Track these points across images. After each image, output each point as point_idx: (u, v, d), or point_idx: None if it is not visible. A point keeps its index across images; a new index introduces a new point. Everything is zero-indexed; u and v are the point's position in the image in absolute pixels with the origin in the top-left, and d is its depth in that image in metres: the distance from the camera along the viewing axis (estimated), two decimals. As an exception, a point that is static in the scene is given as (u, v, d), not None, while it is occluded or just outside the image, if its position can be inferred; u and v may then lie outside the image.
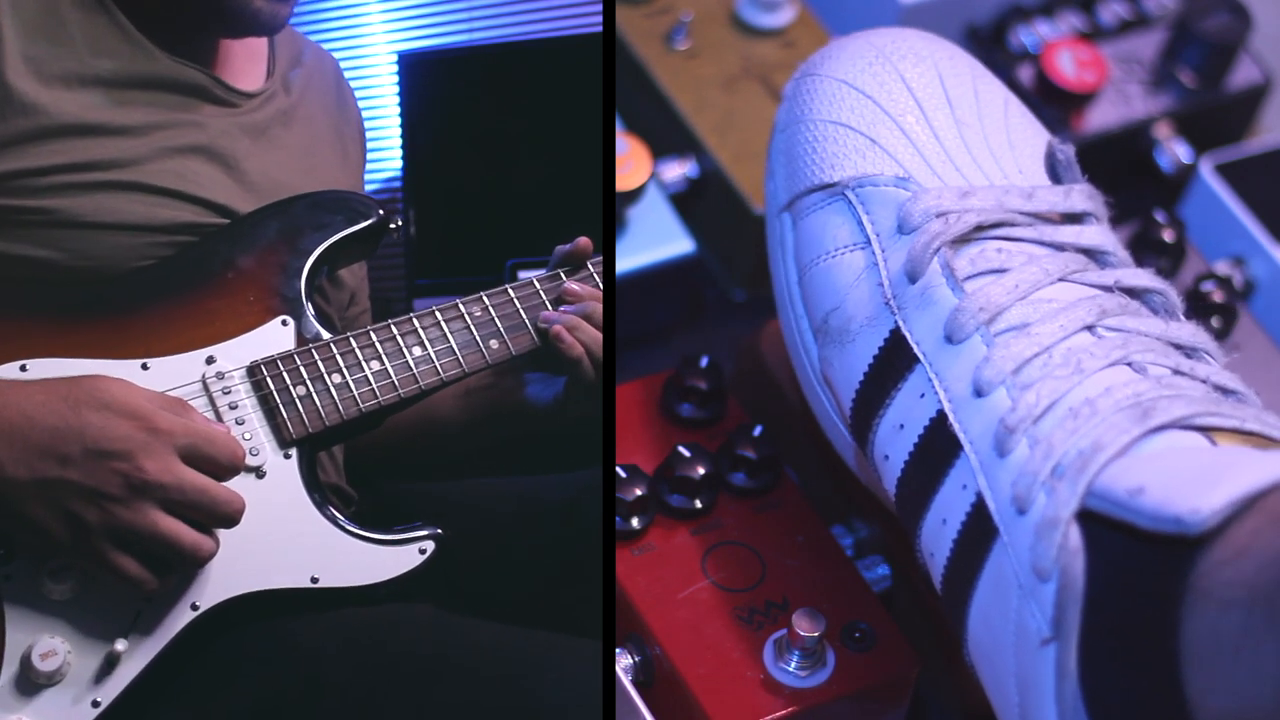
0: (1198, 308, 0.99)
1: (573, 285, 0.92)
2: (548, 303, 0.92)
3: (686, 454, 0.87)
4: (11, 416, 0.78)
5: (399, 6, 1.94)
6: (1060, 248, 0.78)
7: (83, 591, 0.81)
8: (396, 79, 1.74)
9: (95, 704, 0.80)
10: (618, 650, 0.84)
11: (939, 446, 0.75)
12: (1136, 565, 0.66)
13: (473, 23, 1.92)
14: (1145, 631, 0.65)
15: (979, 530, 0.73)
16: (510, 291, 0.92)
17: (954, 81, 0.85)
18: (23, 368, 0.84)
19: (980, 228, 0.78)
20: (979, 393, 0.74)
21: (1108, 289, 0.77)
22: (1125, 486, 0.67)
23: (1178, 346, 0.75)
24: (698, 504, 0.87)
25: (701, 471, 0.87)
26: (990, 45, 1.15)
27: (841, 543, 0.90)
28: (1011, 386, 0.73)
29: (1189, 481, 0.65)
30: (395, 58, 1.79)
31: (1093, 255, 0.79)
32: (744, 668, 0.82)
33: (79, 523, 0.78)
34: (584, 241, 0.94)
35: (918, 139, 0.82)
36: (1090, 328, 0.75)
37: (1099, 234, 0.79)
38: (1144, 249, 1.01)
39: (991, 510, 0.72)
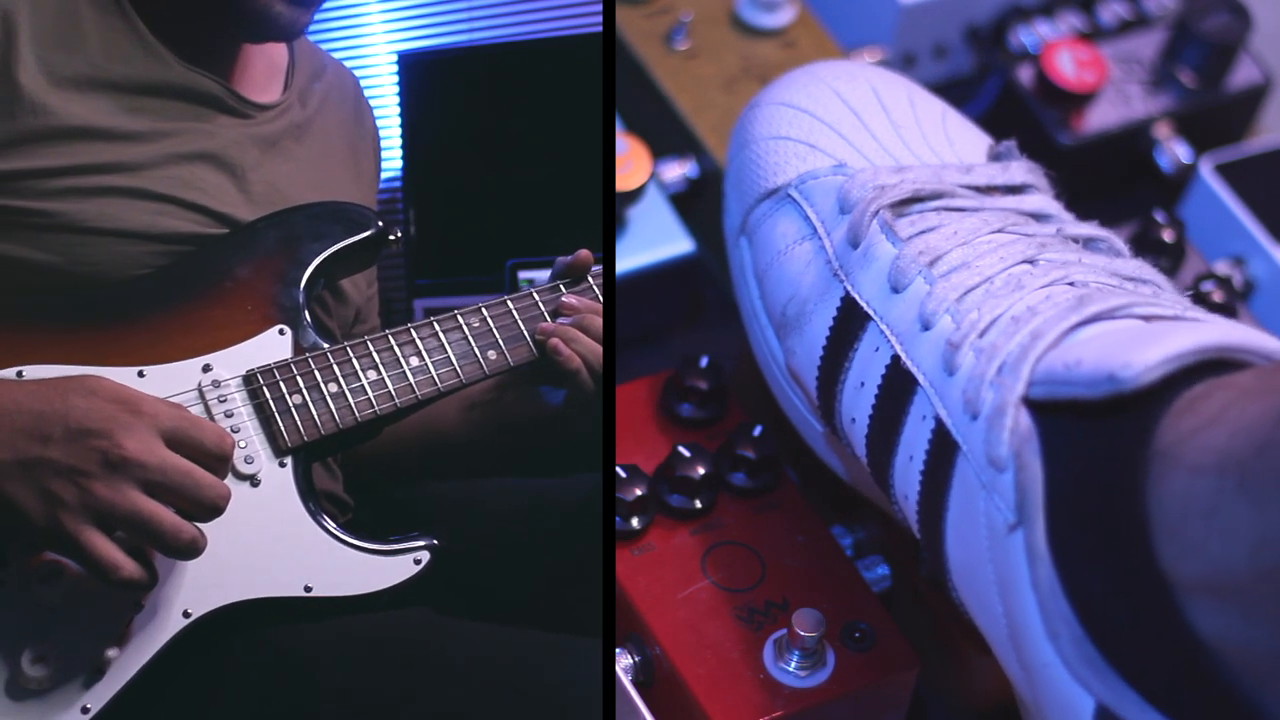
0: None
1: (570, 299, 0.92)
2: (546, 314, 0.92)
3: (686, 454, 0.87)
4: (2, 402, 0.78)
5: (399, 6, 1.94)
6: (1001, 211, 0.80)
7: (73, 598, 0.80)
8: (396, 79, 1.75)
9: (85, 710, 0.79)
10: (618, 650, 0.84)
11: (897, 388, 0.77)
12: (1091, 440, 0.67)
13: (473, 23, 1.92)
14: (1111, 507, 0.66)
15: (941, 452, 0.74)
16: (509, 303, 0.92)
17: (888, 94, 0.88)
18: (19, 374, 0.83)
19: (918, 199, 0.80)
20: (926, 326, 0.76)
21: (1049, 236, 0.78)
22: (1064, 362, 0.68)
23: (1123, 276, 0.76)
24: (698, 504, 0.87)
25: (701, 471, 0.87)
26: (990, 45, 1.15)
27: (841, 543, 0.90)
28: (955, 312, 0.75)
29: (1123, 345, 0.67)
30: (395, 58, 1.79)
31: (1035, 217, 0.80)
32: (744, 668, 0.82)
33: (56, 501, 0.76)
34: (584, 254, 0.94)
35: (854, 139, 0.85)
36: (1031, 260, 0.76)
37: (1041, 200, 0.81)
38: (1144, 249, 1.01)
39: (949, 426, 0.73)
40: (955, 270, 0.76)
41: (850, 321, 0.80)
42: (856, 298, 0.79)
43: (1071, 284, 0.74)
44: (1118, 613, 0.66)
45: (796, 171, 0.85)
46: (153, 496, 0.77)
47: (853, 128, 0.85)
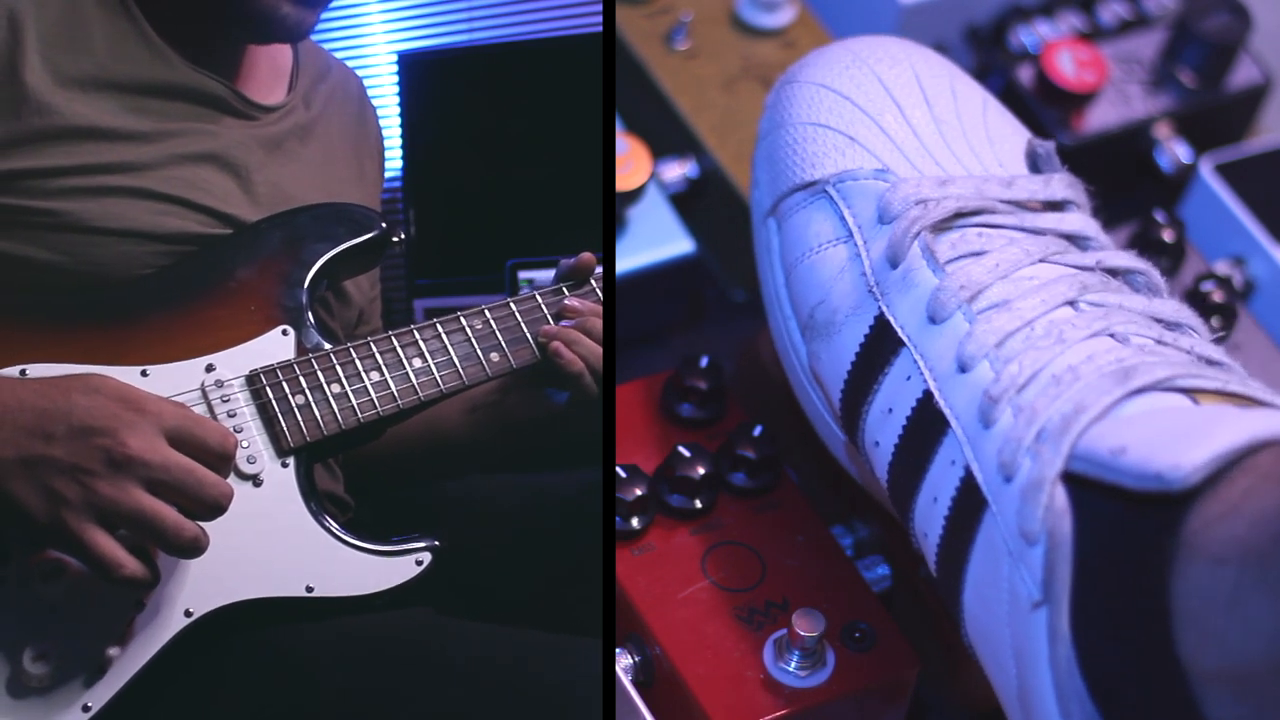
0: (1198, 308, 0.99)
1: (573, 301, 0.92)
2: (549, 316, 0.92)
3: (686, 454, 0.87)
4: (5, 400, 0.78)
5: (399, 6, 1.94)
6: (1041, 233, 0.79)
7: (75, 596, 0.81)
8: (396, 79, 1.75)
9: (86, 709, 0.80)
10: (618, 650, 0.84)
11: (926, 425, 0.76)
12: (1124, 526, 0.67)
13: (473, 23, 1.92)
14: (1136, 592, 0.66)
15: (969, 504, 0.73)
16: (511, 305, 0.92)
17: (931, 82, 0.85)
18: (22, 372, 0.83)
19: (960, 214, 0.79)
20: (963, 368, 0.75)
21: (1089, 269, 0.77)
22: (1108, 446, 0.67)
23: (1161, 321, 0.75)
24: (698, 504, 0.87)
25: (701, 471, 0.87)
26: (990, 45, 1.15)
27: (841, 543, 0.90)
28: (994, 359, 0.74)
29: (1171, 439, 0.66)
30: (395, 58, 1.79)
31: (1074, 240, 0.79)
32: (744, 668, 0.82)
33: (59, 499, 0.77)
34: (587, 257, 0.94)
35: (896, 135, 0.83)
36: (1072, 303, 0.75)
37: (1080, 220, 0.80)
38: (1144, 249, 1.01)
39: (979, 481, 0.72)
40: (995, 308, 0.75)
41: (883, 343, 0.78)
42: (891, 321, 0.78)
43: (1113, 335, 0.73)
44: (1133, 696, 0.65)
45: (836, 167, 0.83)
46: (156, 495, 0.77)
47: (894, 121, 0.83)
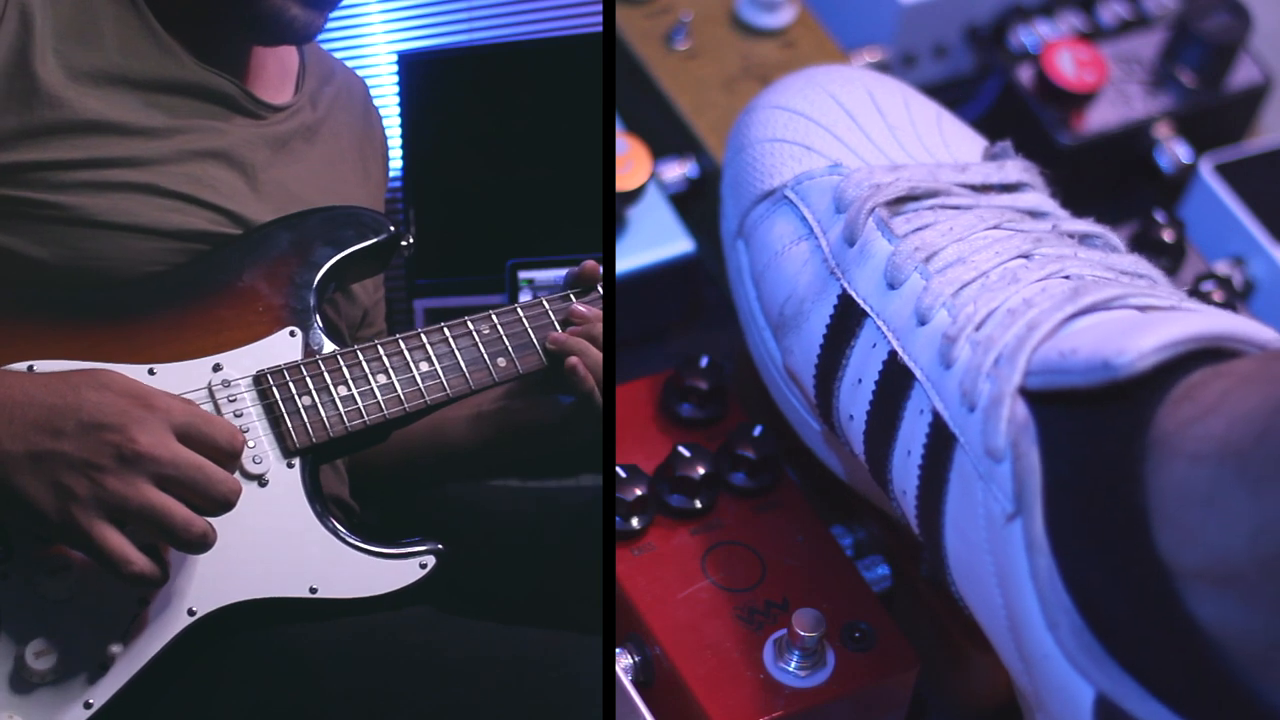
0: (1197, 308, 1.00)
1: (580, 307, 0.92)
2: (556, 323, 0.92)
3: (686, 454, 0.87)
4: (14, 395, 0.78)
5: (399, 6, 1.94)
6: (998, 209, 0.80)
7: (79, 592, 0.81)
8: (396, 79, 1.75)
9: (88, 705, 0.80)
10: (618, 650, 0.84)
11: (894, 383, 0.77)
12: (1089, 431, 0.67)
13: (473, 23, 1.92)
14: (1110, 496, 0.66)
15: (939, 444, 0.74)
16: (519, 310, 0.92)
17: (884, 97, 0.88)
18: (30, 368, 0.84)
19: (914, 196, 0.80)
20: (922, 321, 0.76)
21: (1044, 233, 0.79)
22: (1059, 350, 0.68)
23: (1119, 271, 0.76)
24: (698, 504, 0.87)
25: (701, 471, 0.87)
26: (990, 45, 1.15)
27: (841, 543, 0.90)
28: (951, 306, 0.75)
29: (1118, 334, 0.67)
30: (395, 58, 1.79)
31: (1031, 215, 0.80)
32: (744, 668, 0.82)
33: (68, 494, 0.77)
34: (591, 265, 0.94)
35: (850, 140, 0.85)
36: (1026, 255, 0.76)
37: (1036, 198, 0.81)
38: (1144, 249, 1.01)
39: (946, 419, 0.74)
40: (951, 265, 0.77)
41: (847, 319, 0.80)
42: (853, 295, 0.80)
43: (1067, 277, 0.74)
44: (1117, 602, 0.66)
45: (793, 173, 0.85)
46: (164, 491, 0.78)
47: (848, 129, 0.86)
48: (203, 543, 0.79)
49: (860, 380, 0.79)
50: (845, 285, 0.80)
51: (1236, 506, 0.62)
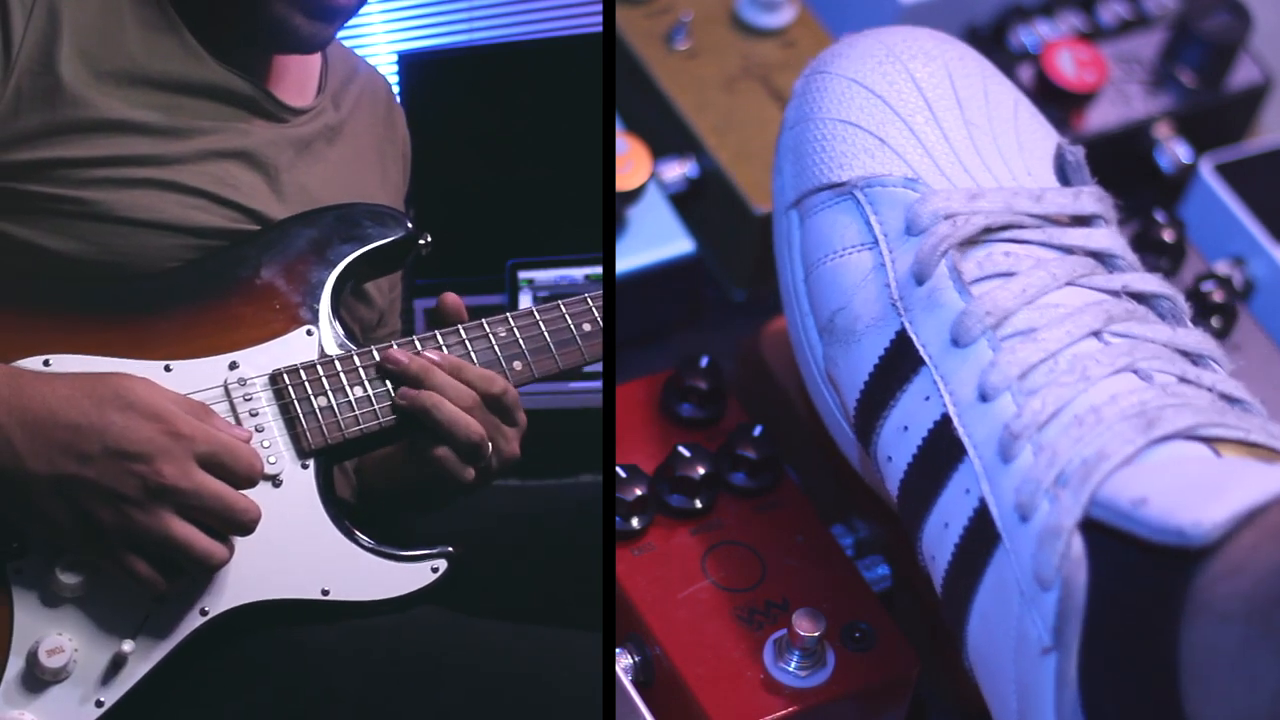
0: (1198, 308, 0.99)
1: (400, 355, 0.87)
2: (572, 327, 0.91)
3: (686, 454, 0.87)
4: (35, 408, 0.78)
5: (399, 6, 1.94)
6: (1068, 250, 0.78)
7: (93, 590, 0.81)
8: (397, 79, 1.75)
9: (99, 704, 0.80)
10: (618, 650, 0.84)
11: (943, 450, 0.75)
12: (1138, 576, 0.66)
13: (473, 23, 1.92)
14: (1145, 642, 0.65)
15: (981, 536, 0.73)
16: (536, 314, 0.91)
17: (964, 81, 0.84)
18: (46, 362, 0.84)
19: (988, 230, 0.78)
20: (984, 397, 0.74)
21: (1115, 294, 0.77)
22: (1129, 497, 0.67)
23: (1184, 353, 0.75)
24: (698, 504, 0.87)
25: (701, 471, 0.87)
26: (990, 45, 1.14)
27: (841, 543, 0.90)
28: (1017, 392, 0.73)
29: (1192, 493, 0.65)
30: (395, 58, 1.79)
31: (1101, 258, 0.79)
32: (744, 668, 0.82)
33: (93, 521, 0.78)
34: (451, 299, 0.90)
35: (926, 139, 0.82)
36: (1097, 333, 0.75)
37: (1107, 237, 0.79)
38: (1144, 249, 1.01)
39: (994, 516, 0.72)
40: (1020, 336, 0.75)
41: (903, 359, 0.78)
42: (913, 338, 0.77)
43: (1136, 372, 0.73)
44: None
45: (865, 170, 0.82)
46: (185, 519, 0.79)
47: (925, 124, 0.82)
48: (220, 566, 0.81)
49: (906, 428, 0.77)
50: (906, 325, 0.78)
51: (1262, 669, 0.61)
